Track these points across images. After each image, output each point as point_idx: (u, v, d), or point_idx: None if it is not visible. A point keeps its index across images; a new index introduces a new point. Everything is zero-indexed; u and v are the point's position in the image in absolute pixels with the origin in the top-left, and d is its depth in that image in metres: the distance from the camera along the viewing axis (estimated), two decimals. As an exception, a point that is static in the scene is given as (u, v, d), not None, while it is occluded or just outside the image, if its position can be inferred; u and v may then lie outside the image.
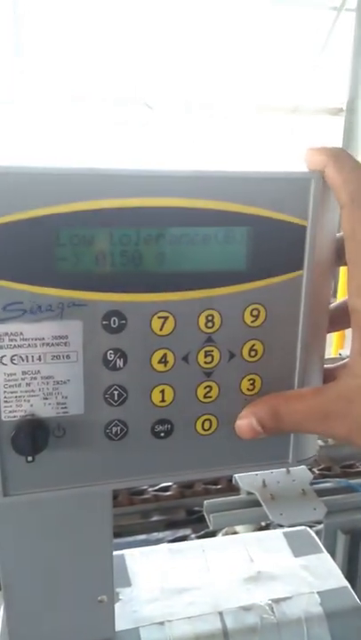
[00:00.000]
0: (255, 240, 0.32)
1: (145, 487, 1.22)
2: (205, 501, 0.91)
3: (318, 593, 0.54)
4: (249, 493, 0.93)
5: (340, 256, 0.35)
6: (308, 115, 4.46)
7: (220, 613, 0.52)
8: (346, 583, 0.56)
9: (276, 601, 0.53)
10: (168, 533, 1.15)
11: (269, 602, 0.53)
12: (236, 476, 0.93)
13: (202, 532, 1.09)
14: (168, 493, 1.19)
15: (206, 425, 0.34)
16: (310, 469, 0.99)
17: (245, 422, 0.34)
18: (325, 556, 0.60)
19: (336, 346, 1.96)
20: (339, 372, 0.36)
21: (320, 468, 1.19)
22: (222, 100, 4.19)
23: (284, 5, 4.18)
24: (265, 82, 4.30)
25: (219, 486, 1.19)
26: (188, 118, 4.10)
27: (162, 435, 0.34)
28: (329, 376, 0.36)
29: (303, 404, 0.32)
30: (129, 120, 3.93)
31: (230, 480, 1.10)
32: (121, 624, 0.49)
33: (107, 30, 3.85)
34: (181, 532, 1.15)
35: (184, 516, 1.19)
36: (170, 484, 1.21)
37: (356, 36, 4.26)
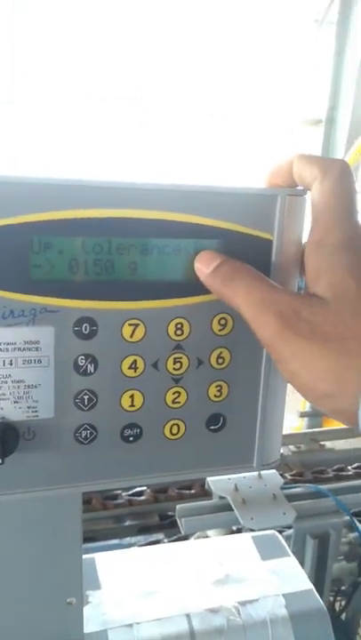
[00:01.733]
0: (224, 252, 0.33)
1: (119, 492, 1.22)
2: (178, 506, 0.92)
3: (284, 595, 0.56)
4: (221, 498, 0.95)
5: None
6: (287, 124, 4.52)
7: (188, 615, 0.52)
8: (311, 586, 0.57)
9: (243, 603, 0.54)
10: (141, 538, 1.15)
11: (236, 604, 0.54)
12: (208, 480, 0.94)
13: (174, 537, 1.09)
14: (142, 498, 1.20)
15: (174, 429, 0.35)
16: (282, 474, 1.01)
17: (202, 265, 0.32)
18: (292, 559, 0.61)
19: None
20: None
21: (292, 473, 1.21)
22: (219, 101, 4.22)
23: (267, 17, 4.23)
24: (245, 90, 4.35)
25: (192, 491, 1.19)
26: (188, 118, 4.12)
27: (131, 439, 0.35)
28: None
29: (264, 283, 0.31)
30: (129, 120, 3.93)
31: (203, 485, 1.11)
32: (90, 626, 0.50)
33: (107, 30, 3.85)
34: (154, 537, 1.15)
35: (157, 521, 1.19)
36: (143, 488, 1.21)
37: (336, 48, 4.33)
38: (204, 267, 0.32)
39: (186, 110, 4.12)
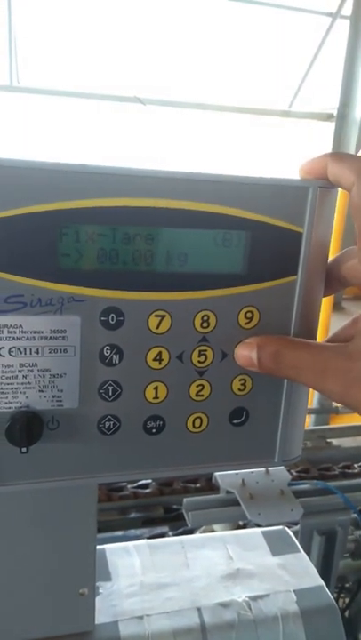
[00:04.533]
0: (252, 244, 0.33)
1: (124, 484, 1.22)
2: (185, 499, 0.92)
3: (294, 591, 0.55)
4: (228, 492, 0.95)
5: (340, 280, 0.36)
6: (298, 119, 4.50)
7: (199, 609, 0.52)
8: (321, 582, 0.57)
9: (254, 598, 0.54)
10: (146, 530, 1.16)
11: (247, 599, 0.54)
12: (216, 474, 0.94)
13: (179, 530, 1.09)
14: (147, 491, 1.20)
15: (197, 423, 0.35)
16: (288, 471, 1.00)
17: (245, 353, 0.34)
18: (302, 555, 0.61)
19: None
20: (347, 332, 0.37)
21: (298, 469, 1.21)
22: (215, 99, 4.21)
23: (280, 9, 4.20)
24: (257, 84, 4.32)
25: (198, 485, 1.19)
26: (182, 116, 4.12)
27: (153, 431, 0.34)
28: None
29: (308, 352, 0.32)
30: (126, 117, 3.93)
31: (210, 479, 1.11)
32: (100, 617, 0.49)
33: (103, 27, 3.84)
34: (159, 530, 1.15)
35: (162, 514, 1.19)
36: (149, 481, 1.21)
37: (349, 42, 4.30)
38: (248, 352, 0.34)
39: (179, 107, 4.13)
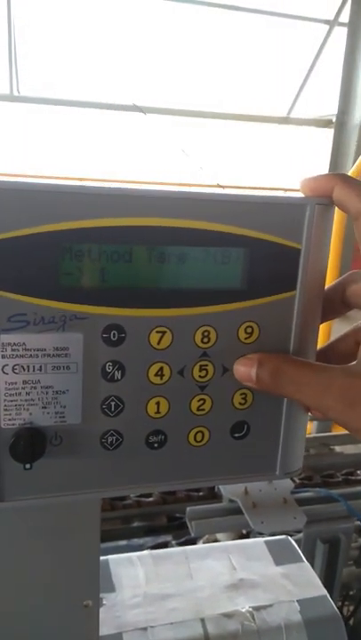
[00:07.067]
0: (252, 261, 0.33)
1: (127, 492, 1.22)
2: (188, 508, 0.92)
3: (298, 601, 0.56)
4: (231, 501, 0.95)
5: (345, 302, 0.37)
6: (297, 126, 4.52)
7: (202, 620, 0.53)
8: (325, 592, 0.58)
9: (257, 608, 0.54)
10: (149, 539, 1.16)
11: (250, 609, 0.54)
12: (219, 483, 0.94)
13: (183, 539, 1.09)
14: (150, 499, 1.20)
15: (198, 437, 0.35)
16: (291, 478, 1.00)
17: (244, 369, 0.34)
18: (306, 565, 0.61)
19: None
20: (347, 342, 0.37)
21: (301, 477, 1.21)
22: (214, 107, 4.24)
23: (278, 17, 4.23)
24: (256, 91, 4.35)
25: (200, 493, 1.19)
26: (181, 124, 4.14)
27: (155, 445, 0.35)
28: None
29: (310, 369, 0.32)
30: (125, 126, 3.96)
31: (213, 487, 1.11)
32: (104, 629, 0.50)
33: (103, 36, 3.87)
34: (162, 539, 1.15)
35: (165, 523, 1.19)
36: (152, 489, 1.21)
37: (347, 49, 4.32)
38: (247, 368, 0.34)
39: (178, 115, 4.15)
